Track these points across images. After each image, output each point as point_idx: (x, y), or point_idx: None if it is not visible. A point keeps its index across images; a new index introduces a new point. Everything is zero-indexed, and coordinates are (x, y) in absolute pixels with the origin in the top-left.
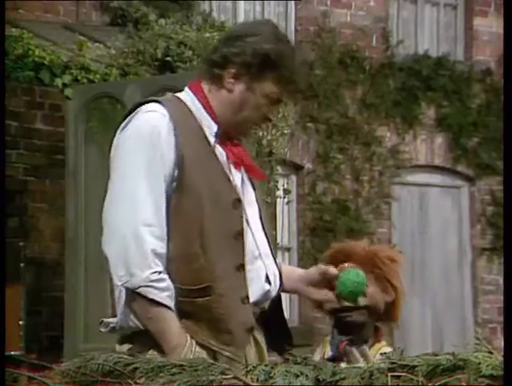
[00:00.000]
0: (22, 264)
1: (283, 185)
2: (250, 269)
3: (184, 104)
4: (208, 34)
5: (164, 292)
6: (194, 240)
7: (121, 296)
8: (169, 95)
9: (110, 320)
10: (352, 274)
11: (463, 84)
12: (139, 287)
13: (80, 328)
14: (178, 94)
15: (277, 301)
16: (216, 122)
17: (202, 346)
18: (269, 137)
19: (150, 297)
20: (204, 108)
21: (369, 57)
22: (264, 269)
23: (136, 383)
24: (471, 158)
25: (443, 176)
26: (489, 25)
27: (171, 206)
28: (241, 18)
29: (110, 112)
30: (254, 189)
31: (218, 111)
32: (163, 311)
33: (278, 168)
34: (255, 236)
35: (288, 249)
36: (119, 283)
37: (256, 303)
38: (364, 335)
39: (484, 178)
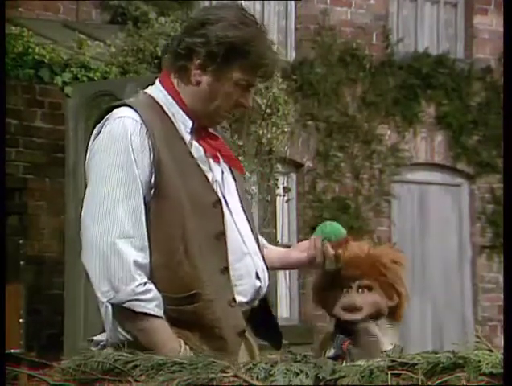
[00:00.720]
0: (22, 263)
1: (283, 183)
2: (240, 267)
3: (156, 102)
4: None
5: (152, 302)
6: (177, 247)
7: (107, 311)
8: (140, 94)
9: (99, 338)
10: (327, 225)
11: (463, 82)
12: (126, 301)
13: (80, 326)
14: (149, 90)
15: (264, 296)
16: (190, 118)
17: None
18: (269, 136)
19: (138, 310)
20: (177, 102)
21: (369, 55)
22: (253, 266)
23: (136, 380)
24: (471, 156)
25: (443, 174)
26: (489, 23)
27: (151, 213)
28: None
29: None
30: (235, 179)
31: (190, 104)
32: (153, 322)
33: (278, 166)
34: (241, 232)
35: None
36: (104, 299)
37: (248, 302)
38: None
39: (484, 176)
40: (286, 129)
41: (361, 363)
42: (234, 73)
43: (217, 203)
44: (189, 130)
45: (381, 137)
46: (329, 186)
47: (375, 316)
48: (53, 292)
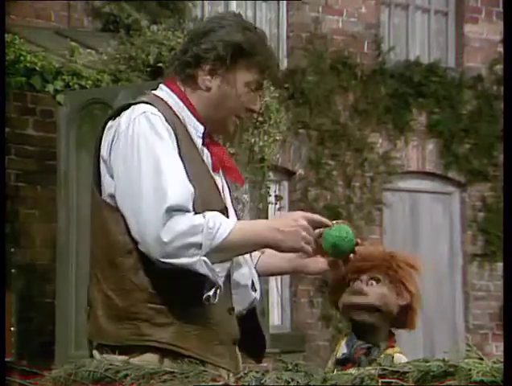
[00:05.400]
0: (13, 271)
1: (275, 191)
2: (237, 276)
3: (167, 104)
4: None
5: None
6: None
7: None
8: (151, 95)
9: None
10: (336, 229)
11: (454, 90)
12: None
13: (72, 334)
14: (157, 93)
15: (253, 306)
16: (201, 123)
17: (196, 359)
18: (261, 144)
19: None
20: (187, 107)
21: (361, 63)
22: (249, 275)
23: None
24: (462, 164)
25: (434, 182)
26: (480, 31)
27: None
28: None
29: (102, 118)
30: (229, 188)
31: (201, 111)
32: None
33: (270, 174)
34: None
35: None
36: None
37: (244, 310)
38: (377, 339)
39: (475, 184)
40: (278, 137)
41: (352, 371)
42: (243, 75)
43: (224, 210)
44: (201, 135)
45: (373, 145)
46: (321, 194)
47: (384, 312)
48: (44, 300)
